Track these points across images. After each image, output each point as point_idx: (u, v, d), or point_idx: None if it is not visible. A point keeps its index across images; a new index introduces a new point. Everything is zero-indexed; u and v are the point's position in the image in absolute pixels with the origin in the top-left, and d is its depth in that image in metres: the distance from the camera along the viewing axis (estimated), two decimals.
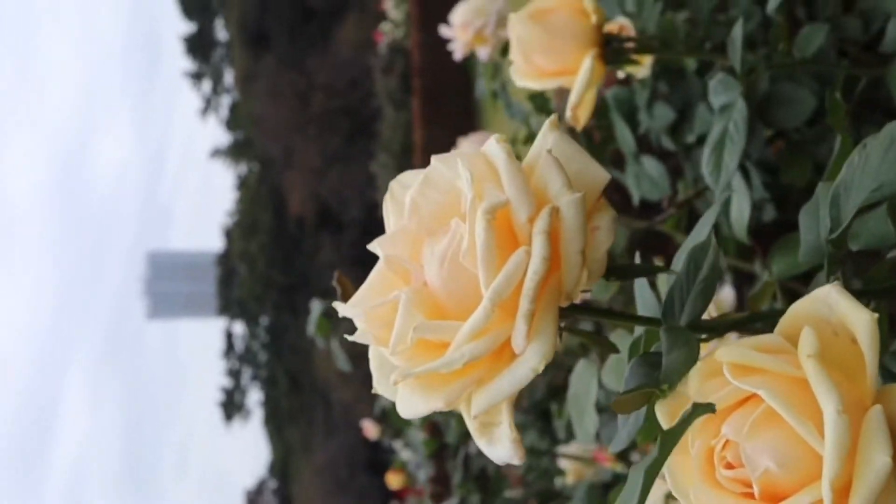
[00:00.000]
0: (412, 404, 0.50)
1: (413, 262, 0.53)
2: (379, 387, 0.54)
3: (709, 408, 0.40)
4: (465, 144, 1.98)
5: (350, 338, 0.53)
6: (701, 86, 1.27)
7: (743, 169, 0.81)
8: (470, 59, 2.04)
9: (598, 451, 1.39)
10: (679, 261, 0.59)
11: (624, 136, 1.32)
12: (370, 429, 2.85)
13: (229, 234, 24.44)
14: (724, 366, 0.45)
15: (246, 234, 22.66)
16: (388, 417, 2.76)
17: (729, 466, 0.46)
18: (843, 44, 1.27)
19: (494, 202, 0.49)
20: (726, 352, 0.45)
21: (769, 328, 0.51)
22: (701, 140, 1.26)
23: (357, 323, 0.53)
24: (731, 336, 0.61)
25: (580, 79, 0.77)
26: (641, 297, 0.60)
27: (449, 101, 7.83)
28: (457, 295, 0.50)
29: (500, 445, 0.50)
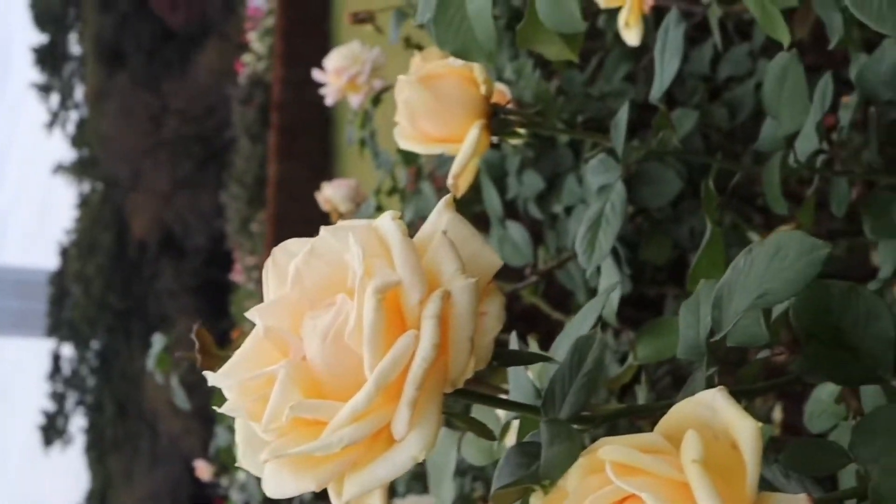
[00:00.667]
0: (281, 484, 0.48)
1: (293, 334, 0.51)
2: (244, 460, 0.52)
3: None
4: (329, 189, 1.97)
5: (220, 410, 0.50)
6: (572, 157, 1.29)
7: (615, 251, 0.82)
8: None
9: None
10: (559, 349, 0.58)
11: (491, 200, 1.33)
12: (203, 469, 2.77)
13: (66, 253, 23.66)
14: (606, 464, 0.45)
15: (83, 255, 21.98)
16: (223, 458, 2.70)
17: None
18: (707, 129, 1.31)
19: (386, 281, 0.47)
20: (609, 451, 0.45)
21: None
22: (567, 210, 1.28)
23: (227, 394, 0.51)
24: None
25: (465, 148, 0.77)
26: (515, 381, 0.59)
27: (306, 139, 7.78)
28: (338, 373, 0.48)
29: None
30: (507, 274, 1.41)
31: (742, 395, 0.58)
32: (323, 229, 0.51)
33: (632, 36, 1.04)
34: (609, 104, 1.38)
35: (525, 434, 0.56)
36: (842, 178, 0.79)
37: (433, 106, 0.78)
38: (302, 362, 0.50)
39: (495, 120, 0.80)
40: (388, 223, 0.50)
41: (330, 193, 1.98)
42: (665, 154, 0.81)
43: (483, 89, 0.79)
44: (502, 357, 0.51)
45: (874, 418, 0.53)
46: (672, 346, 0.62)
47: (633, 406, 0.55)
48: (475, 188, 1.51)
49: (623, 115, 0.77)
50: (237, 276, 9.84)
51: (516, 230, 1.32)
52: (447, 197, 0.52)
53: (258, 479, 1.61)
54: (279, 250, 0.53)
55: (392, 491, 2.23)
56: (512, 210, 1.37)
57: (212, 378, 0.51)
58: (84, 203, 23.33)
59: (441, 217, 0.52)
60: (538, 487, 0.46)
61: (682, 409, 0.47)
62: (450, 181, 0.78)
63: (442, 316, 0.47)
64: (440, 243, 0.49)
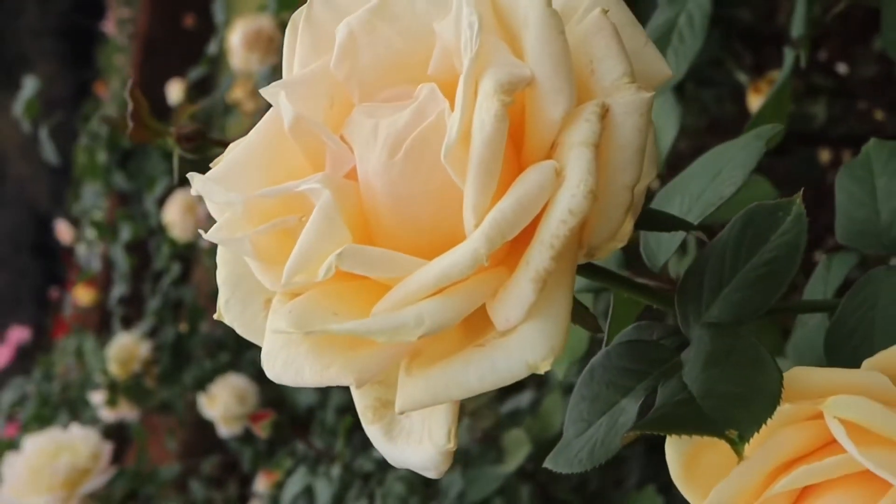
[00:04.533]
0: (293, 365, 0.31)
1: (333, 133, 0.32)
2: (228, 312, 0.34)
3: None
4: None
5: (207, 237, 0.32)
6: None
7: (679, 86, 0.64)
8: None
9: None
10: (669, 202, 0.41)
11: None
12: (65, 232, 2.55)
13: None
14: (833, 424, 0.29)
15: None
16: (88, 226, 2.48)
17: None
18: None
19: (515, 75, 0.29)
20: (845, 405, 0.29)
21: None
22: None
23: (217, 210, 0.33)
24: None
25: None
26: None
27: None
28: (410, 209, 0.30)
29: (413, 448, 0.32)
30: None
31: None
32: None
33: None
34: None
35: (621, 324, 0.39)
36: None
37: None
38: (347, 182, 0.32)
39: None
40: None
41: None
42: None
43: None
44: (647, 220, 0.34)
45: None
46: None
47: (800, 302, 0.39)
48: None
49: None
50: (109, 26, 9.28)
51: None
52: None
53: (131, 256, 1.38)
54: (319, 0, 0.34)
55: None
56: None
57: (203, 188, 0.32)
58: None
59: None
60: (735, 442, 0.29)
61: None
62: None
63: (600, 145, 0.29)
64: (598, 29, 0.31)
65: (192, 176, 0.32)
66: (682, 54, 0.59)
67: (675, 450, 0.32)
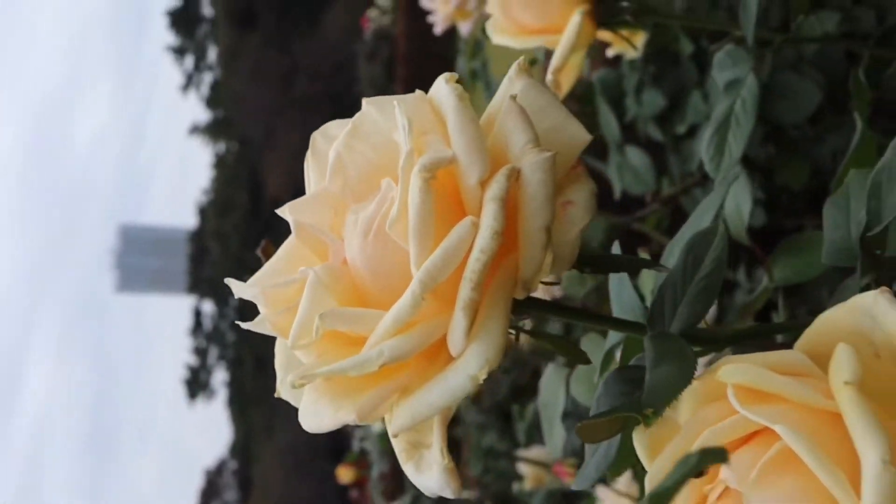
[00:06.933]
0: (317, 414, 0.39)
1: (333, 233, 0.41)
2: (283, 388, 0.43)
3: (721, 455, 0.28)
4: None
5: (245, 326, 0.41)
6: (696, 71, 1.16)
7: (746, 161, 0.70)
8: (455, 48, 1.92)
9: (558, 465, 1.27)
10: (671, 253, 0.47)
11: (608, 123, 1.21)
12: None
13: (204, 212, 24.24)
14: (728, 388, 0.34)
15: (220, 213, 22.48)
16: None
17: None
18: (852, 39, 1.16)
19: (435, 157, 0.37)
20: (733, 371, 0.34)
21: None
22: (692, 131, 1.16)
23: (258, 305, 0.42)
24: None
25: (565, 38, 0.66)
26: (619, 295, 0.48)
27: None
28: (383, 276, 0.39)
29: (430, 474, 0.39)
30: (627, 203, 1.29)
31: None
32: (366, 102, 0.42)
33: None
34: None
35: (629, 359, 0.45)
36: None
37: None
38: (342, 267, 0.40)
39: (601, 6, 0.68)
40: (442, 89, 0.39)
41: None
42: (807, 41, 0.68)
43: None
44: (591, 261, 0.40)
45: None
46: (816, 265, 0.51)
47: (770, 325, 0.44)
48: (590, 112, 1.39)
49: None
50: None
51: (636, 155, 1.20)
52: (520, 60, 0.42)
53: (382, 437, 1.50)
54: (318, 135, 0.44)
55: (513, 440, 2.14)
56: (631, 134, 1.24)
57: (236, 287, 0.42)
58: (220, 163, 23.82)
59: (512, 84, 0.41)
60: (645, 419, 0.35)
61: (831, 319, 0.36)
62: (549, 77, 0.67)
63: (508, 199, 0.36)
64: (508, 111, 0.39)
65: (229, 281, 0.42)
66: (738, 135, 0.65)
67: (639, 441, 0.37)
